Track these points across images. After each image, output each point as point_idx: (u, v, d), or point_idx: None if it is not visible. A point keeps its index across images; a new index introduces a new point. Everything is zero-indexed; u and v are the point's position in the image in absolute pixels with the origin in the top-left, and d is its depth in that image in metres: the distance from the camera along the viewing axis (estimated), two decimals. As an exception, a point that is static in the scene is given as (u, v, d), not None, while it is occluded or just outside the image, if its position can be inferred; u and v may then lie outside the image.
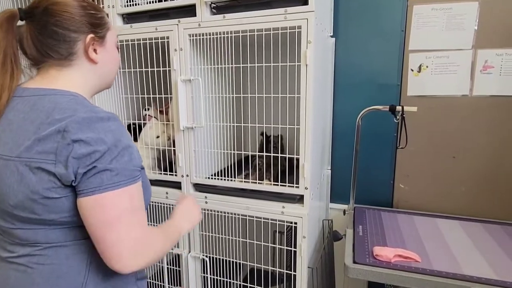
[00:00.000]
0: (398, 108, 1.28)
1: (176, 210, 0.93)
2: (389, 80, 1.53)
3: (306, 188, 1.17)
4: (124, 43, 1.32)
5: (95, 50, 0.75)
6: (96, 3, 0.77)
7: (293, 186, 1.18)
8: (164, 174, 1.36)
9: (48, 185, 0.63)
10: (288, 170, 1.27)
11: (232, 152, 1.33)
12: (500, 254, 1.14)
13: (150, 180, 1.39)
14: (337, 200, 1.70)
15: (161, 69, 1.29)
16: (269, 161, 1.24)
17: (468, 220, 1.44)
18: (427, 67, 1.47)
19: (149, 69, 1.31)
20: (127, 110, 1.45)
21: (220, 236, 1.33)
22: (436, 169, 1.53)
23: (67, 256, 0.67)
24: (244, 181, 1.23)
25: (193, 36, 1.22)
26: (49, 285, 0.67)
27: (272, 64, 1.11)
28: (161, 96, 1.35)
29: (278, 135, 1.48)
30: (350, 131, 1.61)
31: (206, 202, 1.31)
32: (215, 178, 1.30)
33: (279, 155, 1.21)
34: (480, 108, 1.43)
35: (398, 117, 1.30)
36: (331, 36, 1.56)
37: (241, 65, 1.14)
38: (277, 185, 1.20)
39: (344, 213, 1.44)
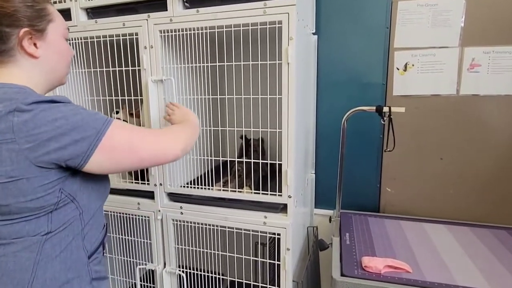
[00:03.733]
0: (385, 109, 1.22)
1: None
2: (374, 79, 1.47)
3: (289, 197, 1.08)
4: (89, 40, 1.20)
5: (35, 44, 0.72)
6: None
7: (275, 195, 1.09)
8: (135, 183, 1.24)
9: (11, 166, 0.62)
10: (270, 176, 1.19)
11: (209, 158, 1.23)
12: (490, 260, 1.09)
13: (120, 190, 1.29)
14: (322, 205, 1.62)
15: (130, 68, 1.18)
16: (250, 166, 1.15)
17: (456, 224, 1.39)
18: (413, 65, 1.42)
19: (117, 69, 1.20)
20: (94, 114, 1.33)
21: (198, 249, 1.23)
22: (423, 171, 1.47)
23: (14, 253, 0.67)
24: (223, 190, 1.13)
25: (164, 32, 1.12)
26: None
27: (250, 63, 1.02)
28: (131, 98, 1.23)
29: (259, 138, 1.40)
30: (334, 132, 1.54)
31: (182, 213, 1.20)
32: (191, 187, 1.20)
33: (260, 161, 1.12)
34: (468, 107, 1.38)
35: (385, 118, 1.23)
36: (313, 34, 1.48)
37: (217, 64, 1.04)
38: (259, 193, 1.11)
39: (330, 220, 1.37)
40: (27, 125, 0.61)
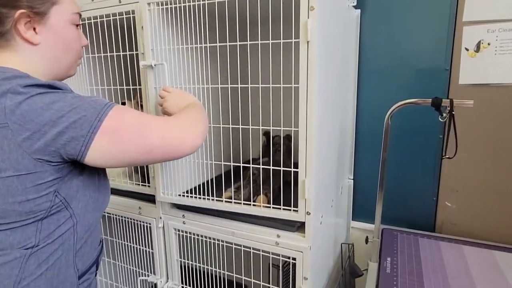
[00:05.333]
0: (445, 102, 0.92)
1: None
2: (434, 64, 1.15)
3: (308, 214, 0.85)
4: (86, 21, 1.07)
5: (34, 29, 0.64)
6: None
7: (290, 210, 0.86)
8: (136, 184, 1.10)
9: (2, 156, 0.55)
10: (294, 183, 0.96)
11: (210, 162, 1.03)
12: None
13: (121, 191, 1.16)
14: (362, 217, 1.35)
15: (128, 53, 1.02)
16: (270, 169, 0.93)
17: (544, 256, 1.04)
18: (488, 44, 1.08)
19: (115, 54, 1.04)
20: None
21: (202, 266, 1.05)
22: (496, 183, 1.13)
23: None
24: (225, 201, 0.93)
25: (158, 5, 0.93)
26: None
27: (259, 42, 0.80)
28: (129, 87, 1.07)
29: (287, 135, 1.18)
30: (380, 130, 1.25)
31: (184, 222, 1.03)
32: (191, 196, 1.00)
33: (270, 167, 0.89)
34: None
35: (445, 114, 0.94)
36: (355, 7, 1.20)
37: (218, 44, 0.83)
38: (269, 207, 0.89)
39: (367, 241, 1.10)
40: (21, 108, 0.54)
